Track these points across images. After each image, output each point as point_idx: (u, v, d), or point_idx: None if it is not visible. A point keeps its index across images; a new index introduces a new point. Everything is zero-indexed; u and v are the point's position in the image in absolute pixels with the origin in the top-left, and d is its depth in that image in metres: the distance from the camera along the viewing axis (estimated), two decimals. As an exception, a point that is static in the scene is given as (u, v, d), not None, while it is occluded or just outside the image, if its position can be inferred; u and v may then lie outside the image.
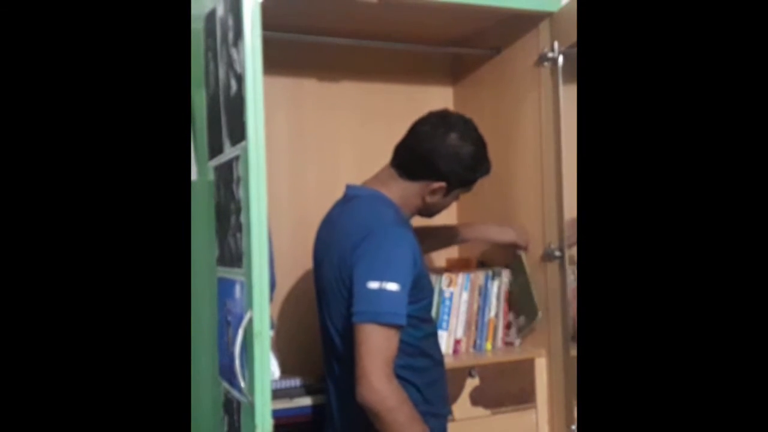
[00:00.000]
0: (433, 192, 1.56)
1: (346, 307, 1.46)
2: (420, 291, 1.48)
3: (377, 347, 1.37)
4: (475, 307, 1.95)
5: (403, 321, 1.40)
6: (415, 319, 1.48)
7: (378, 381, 1.36)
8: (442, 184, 1.55)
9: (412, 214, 1.61)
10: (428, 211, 1.64)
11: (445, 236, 1.97)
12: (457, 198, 1.65)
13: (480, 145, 1.57)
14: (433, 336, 1.60)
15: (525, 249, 1.93)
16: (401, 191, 1.56)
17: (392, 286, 1.38)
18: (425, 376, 1.53)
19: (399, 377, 1.42)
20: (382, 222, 1.47)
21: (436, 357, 1.58)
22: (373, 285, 1.39)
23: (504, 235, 1.94)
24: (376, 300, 1.38)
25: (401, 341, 1.43)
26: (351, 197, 1.59)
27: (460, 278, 1.93)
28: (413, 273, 1.44)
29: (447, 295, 1.91)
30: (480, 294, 1.95)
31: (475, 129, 1.58)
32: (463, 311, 1.94)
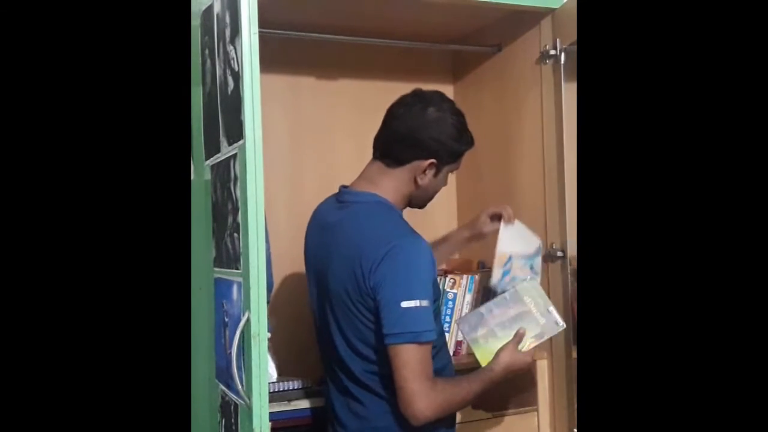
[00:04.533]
0: (425, 171, 1.51)
1: (365, 324, 1.43)
2: (434, 291, 1.46)
3: (420, 367, 1.37)
4: (478, 308, 1.93)
5: (435, 336, 1.41)
6: None
7: (427, 399, 1.36)
8: (432, 160, 1.51)
9: (405, 206, 1.58)
10: (421, 197, 1.58)
11: (446, 248, 1.88)
12: (446, 182, 1.60)
13: (459, 114, 1.54)
14: (443, 336, 1.59)
15: (506, 214, 1.78)
16: (393, 183, 1.52)
17: (425, 303, 1.37)
18: (444, 375, 1.51)
19: None
20: (399, 236, 1.44)
21: (445, 359, 1.57)
22: (407, 304, 1.36)
23: (476, 220, 1.80)
24: (412, 320, 1.37)
25: None
26: (348, 202, 1.55)
27: (464, 280, 1.92)
28: (432, 280, 1.43)
29: (450, 296, 1.90)
30: (483, 296, 1.93)
31: (449, 100, 1.56)
32: (466, 313, 1.92)
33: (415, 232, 1.47)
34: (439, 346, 1.50)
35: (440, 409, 1.39)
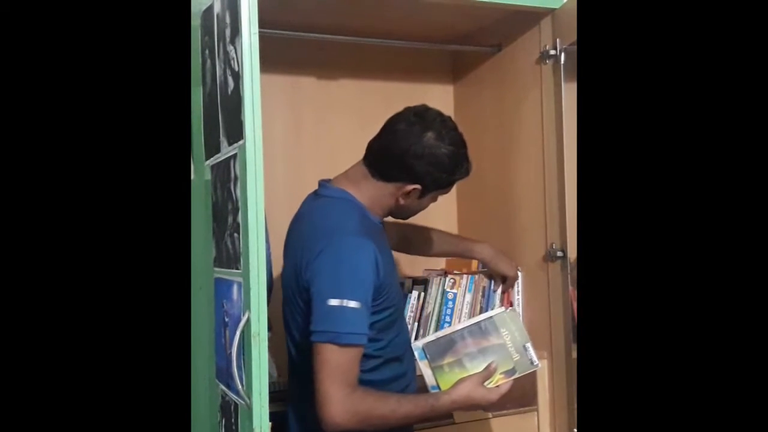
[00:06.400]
0: (407, 194, 1.47)
1: (303, 319, 1.40)
2: (385, 299, 1.42)
3: (337, 370, 1.31)
4: (478, 308, 1.93)
5: (364, 341, 1.35)
6: (375, 330, 1.41)
7: (339, 404, 1.31)
8: (417, 186, 1.45)
9: (384, 215, 1.54)
10: (401, 214, 1.55)
11: (448, 246, 1.92)
12: (434, 200, 1.55)
13: (458, 145, 1.47)
14: (399, 341, 1.52)
15: (510, 286, 1.92)
16: (372, 192, 1.48)
17: (353, 304, 1.32)
18: (392, 388, 1.47)
19: None
20: (340, 232, 1.39)
21: (403, 366, 1.52)
22: (333, 302, 1.32)
23: (508, 270, 1.89)
24: (335, 319, 1.32)
25: (362, 355, 1.37)
26: (320, 195, 1.53)
27: (464, 280, 1.91)
28: (374, 285, 1.37)
29: (450, 296, 1.90)
30: (483, 296, 1.94)
31: (453, 128, 1.47)
32: (466, 313, 1.92)
33: (364, 233, 1.41)
34: (385, 357, 1.46)
35: (355, 419, 1.31)
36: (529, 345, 1.51)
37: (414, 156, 1.43)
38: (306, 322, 1.38)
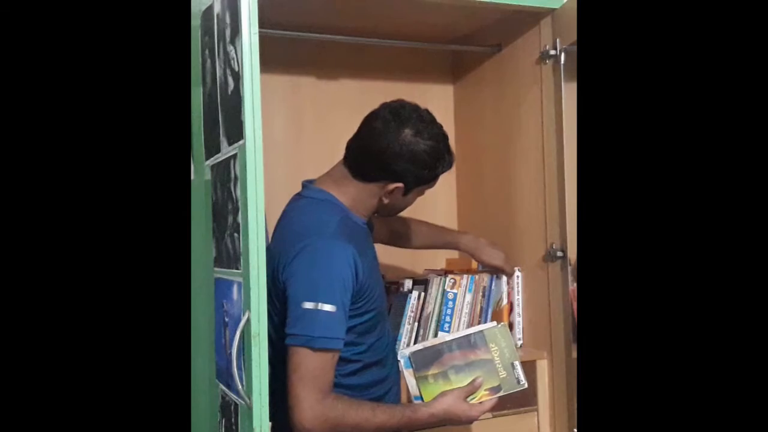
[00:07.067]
0: (390, 193, 1.45)
1: (280, 321, 1.39)
2: (365, 303, 1.41)
3: (309, 374, 1.31)
4: (479, 308, 1.93)
5: (339, 345, 1.34)
6: (354, 334, 1.41)
7: (310, 410, 1.30)
8: (399, 184, 1.43)
9: (369, 215, 1.52)
10: (387, 211, 1.53)
11: (435, 238, 1.92)
12: (420, 194, 1.53)
13: (437, 139, 1.43)
14: (380, 345, 1.51)
15: (509, 275, 1.92)
16: (356, 192, 1.46)
17: (328, 308, 1.31)
18: (373, 392, 1.47)
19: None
20: (318, 234, 1.38)
21: (385, 370, 1.50)
22: (308, 305, 1.32)
23: (493, 258, 1.88)
24: (310, 323, 1.31)
25: (341, 359, 1.37)
26: (303, 196, 1.51)
27: (465, 279, 1.91)
28: (353, 288, 1.36)
29: (450, 296, 1.90)
30: (484, 295, 1.93)
31: (431, 121, 1.44)
32: (467, 313, 1.92)
33: (343, 235, 1.39)
34: (365, 361, 1.45)
35: (325, 426, 1.31)
36: (517, 363, 1.50)
37: (393, 155, 1.41)
38: (282, 325, 1.37)
